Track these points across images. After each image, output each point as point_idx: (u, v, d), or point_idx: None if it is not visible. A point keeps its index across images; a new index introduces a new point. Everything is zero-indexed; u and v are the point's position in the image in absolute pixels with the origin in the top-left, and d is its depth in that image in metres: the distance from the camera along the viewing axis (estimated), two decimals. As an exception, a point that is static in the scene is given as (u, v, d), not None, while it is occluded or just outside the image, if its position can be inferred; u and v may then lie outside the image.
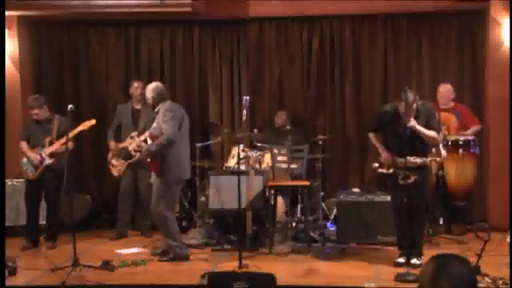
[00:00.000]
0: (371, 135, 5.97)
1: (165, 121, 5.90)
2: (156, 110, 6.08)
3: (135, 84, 7.42)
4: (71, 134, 6.39)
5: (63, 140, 6.55)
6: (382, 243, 6.52)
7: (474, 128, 7.03)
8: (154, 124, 6.05)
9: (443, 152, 5.94)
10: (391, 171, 5.68)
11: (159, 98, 6.08)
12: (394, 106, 5.71)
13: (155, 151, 5.92)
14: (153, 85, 6.19)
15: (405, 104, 5.49)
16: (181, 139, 6.08)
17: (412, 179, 5.51)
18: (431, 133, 5.61)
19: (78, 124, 6.69)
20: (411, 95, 5.47)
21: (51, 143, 6.73)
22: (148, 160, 6.09)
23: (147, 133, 6.40)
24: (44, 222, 7.01)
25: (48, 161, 6.71)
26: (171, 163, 5.96)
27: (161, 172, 5.99)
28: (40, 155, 6.71)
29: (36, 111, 6.74)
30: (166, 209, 6.06)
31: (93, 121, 6.60)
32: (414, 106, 5.49)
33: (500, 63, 7.28)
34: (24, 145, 6.83)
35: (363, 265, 5.90)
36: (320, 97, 8.07)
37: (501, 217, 6.83)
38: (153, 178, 6.20)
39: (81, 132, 8.20)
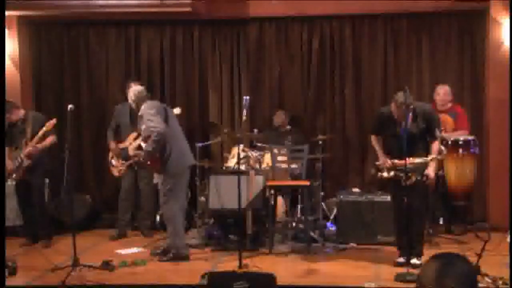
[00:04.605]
0: (372, 138, 5.98)
1: (149, 119, 5.96)
2: (140, 114, 6.11)
3: (130, 85, 7.41)
4: (37, 137, 6.65)
5: (35, 140, 6.70)
6: (382, 243, 6.53)
7: (459, 132, 6.96)
8: (143, 126, 6.08)
9: (443, 149, 5.92)
10: (391, 174, 5.68)
11: (139, 99, 6.17)
12: (390, 108, 5.72)
13: (153, 150, 5.93)
14: (133, 88, 6.38)
15: (394, 104, 5.54)
16: (174, 131, 6.13)
17: (413, 179, 5.52)
18: (436, 150, 5.62)
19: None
20: (401, 96, 5.49)
21: (26, 144, 6.77)
22: (149, 163, 6.10)
23: (140, 138, 6.43)
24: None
25: (26, 162, 6.75)
26: (172, 156, 6.00)
27: (165, 167, 6.01)
28: (18, 158, 6.75)
29: (7, 115, 6.72)
30: (177, 207, 6.09)
31: (54, 120, 6.68)
32: (404, 107, 5.47)
33: (500, 63, 7.28)
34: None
35: (363, 265, 5.90)
36: (320, 97, 8.07)
37: (501, 217, 6.83)
38: (157, 178, 6.21)
39: (80, 132, 8.22)
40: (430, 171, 5.69)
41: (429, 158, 5.63)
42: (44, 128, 6.66)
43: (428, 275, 2.21)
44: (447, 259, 2.24)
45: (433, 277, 2.19)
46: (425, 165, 5.64)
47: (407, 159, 5.46)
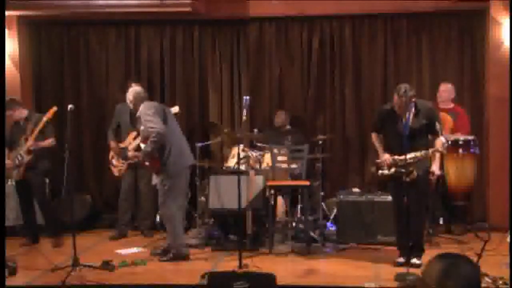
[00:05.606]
0: (373, 135, 5.98)
1: (148, 120, 5.94)
2: (138, 114, 6.11)
3: (131, 86, 7.41)
4: (37, 129, 6.64)
5: (35, 134, 6.69)
6: (382, 243, 6.53)
7: (458, 134, 6.92)
8: (142, 127, 6.07)
9: (444, 141, 5.83)
10: (392, 170, 5.67)
11: (137, 100, 6.15)
12: (392, 105, 5.71)
13: (151, 150, 5.93)
14: (132, 89, 6.34)
15: (396, 95, 5.53)
16: (173, 131, 6.12)
17: (415, 174, 5.51)
18: (440, 145, 5.60)
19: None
20: (402, 86, 5.49)
21: (26, 140, 6.76)
22: (147, 163, 6.09)
23: (139, 139, 6.42)
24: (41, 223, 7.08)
25: (26, 158, 6.74)
26: (171, 156, 5.99)
27: (164, 167, 6.00)
28: (18, 156, 6.75)
29: (9, 112, 6.74)
30: (176, 207, 6.07)
31: (54, 108, 6.72)
32: (405, 98, 5.46)
33: (500, 63, 7.28)
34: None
35: (363, 265, 5.90)
36: (320, 97, 8.06)
37: (501, 217, 6.83)
38: (156, 179, 6.21)
39: (80, 132, 8.21)
40: (435, 168, 5.67)
41: (430, 151, 5.61)
42: (44, 118, 6.64)
43: (432, 274, 2.20)
44: (451, 260, 2.22)
45: (436, 277, 2.18)
46: (426, 158, 5.62)
47: (407, 154, 5.45)
